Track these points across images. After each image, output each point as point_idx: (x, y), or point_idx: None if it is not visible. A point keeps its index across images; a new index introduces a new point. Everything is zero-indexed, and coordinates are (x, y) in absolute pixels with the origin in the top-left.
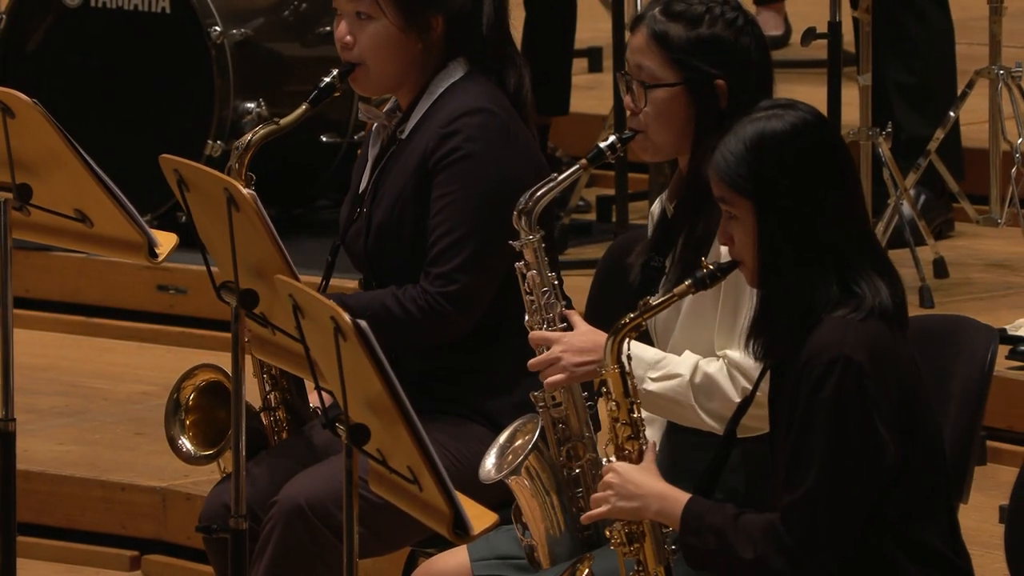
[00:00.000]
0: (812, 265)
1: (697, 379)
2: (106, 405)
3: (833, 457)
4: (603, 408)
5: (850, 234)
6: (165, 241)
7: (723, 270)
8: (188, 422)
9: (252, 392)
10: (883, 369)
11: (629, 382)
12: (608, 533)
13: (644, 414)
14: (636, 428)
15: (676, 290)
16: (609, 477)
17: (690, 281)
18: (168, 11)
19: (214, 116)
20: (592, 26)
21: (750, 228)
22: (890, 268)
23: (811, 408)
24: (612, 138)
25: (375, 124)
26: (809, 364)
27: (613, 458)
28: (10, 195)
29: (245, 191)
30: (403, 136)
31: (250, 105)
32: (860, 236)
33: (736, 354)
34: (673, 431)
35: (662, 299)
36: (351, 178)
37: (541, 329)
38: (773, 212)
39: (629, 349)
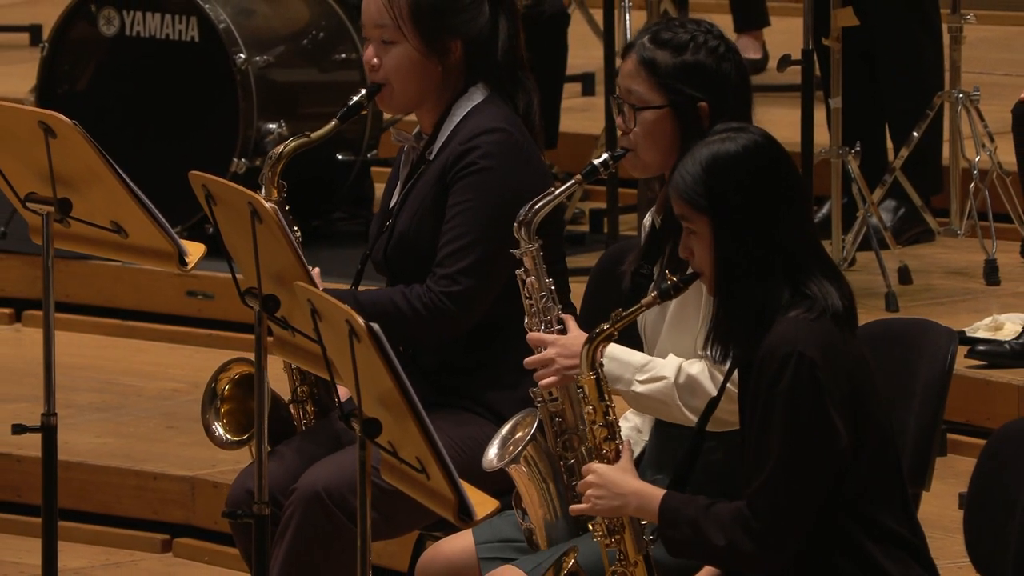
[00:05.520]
0: (765, 273)
1: (681, 380)
2: (140, 401)
3: (791, 444)
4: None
5: (800, 244)
6: (194, 250)
7: (685, 281)
8: (223, 411)
9: (283, 385)
10: (834, 363)
11: (604, 387)
12: (591, 527)
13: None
14: (612, 429)
15: (643, 301)
16: (590, 478)
17: (655, 292)
18: (197, 40)
19: (239, 136)
20: (585, 53)
21: (707, 242)
22: (838, 274)
23: (769, 400)
24: (605, 156)
25: (405, 145)
26: (765, 360)
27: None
28: (52, 208)
29: (268, 204)
30: (431, 158)
31: (272, 126)
32: (809, 246)
33: None
34: (661, 424)
35: (631, 310)
36: (383, 196)
37: (539, 331)
38: (728, 227)
39: (603, 363)
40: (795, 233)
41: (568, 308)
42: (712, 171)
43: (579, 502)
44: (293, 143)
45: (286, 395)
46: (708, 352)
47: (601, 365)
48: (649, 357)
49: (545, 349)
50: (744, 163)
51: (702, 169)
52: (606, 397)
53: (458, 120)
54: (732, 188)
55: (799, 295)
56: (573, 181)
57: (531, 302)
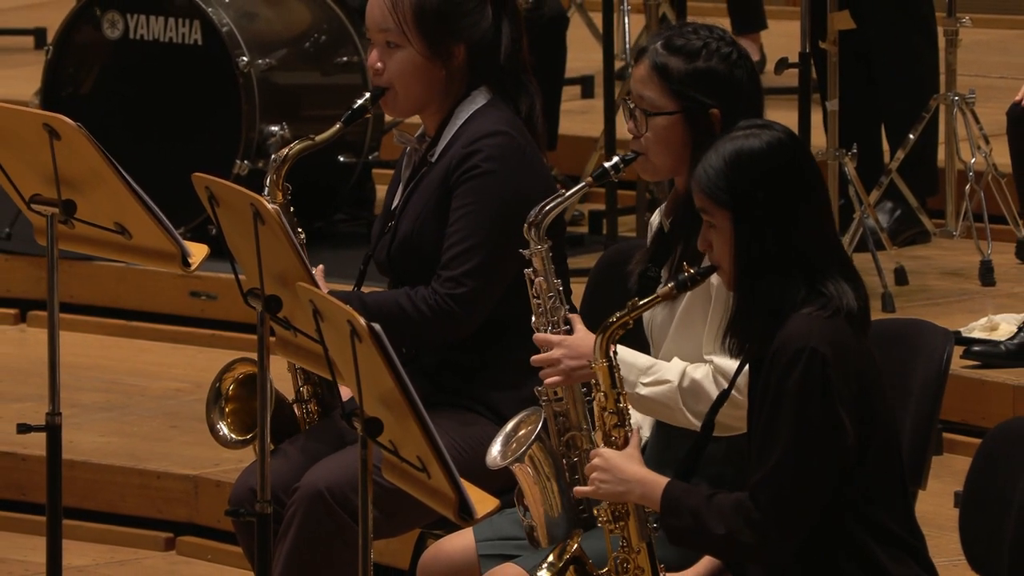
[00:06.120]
0: (783, 269)
1: (685, 384)
2: (143, 400)
3: (797, 438)
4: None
5: (818, 242)
6: (197, 251)
7: (702, 273)
8: (227, 410)
9: (287, 385)
10: (844, 361)
11: (616, 375)
12: (596, 512)
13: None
14: (622, 417)
15: (660, 291)
16: (596, 462)
17: (672, 283)
18: (200, 43)
19: (241, 138)
20: (585, 56)
21: (727, 236)
22: (855, 274)
23: (778, 394)
24: (616, 159)
25: (407, 147)
26: (777, 354)
27: (601, 444)
28: (56, 210)
29: (270, 206)
30: (433, 160)
31: (274, 128)
32: (827, 244)
33: (721, 360)
34: (664, 422)
35: (647, 300)
36: (385, 197)
37: (546, 330)
38: (748, 222)
39: (616, 351)
40: (814, 231)
41: (570, 309)
42: (735, 166)
43: (578, 488)
44: (298, 146)
45: (290, 395)
46: (725, 345)
47: (615, 353)
48: (654, 360)
49: (551, 349)
50: (767, 160)
51: (725, 164)
52: (618, 384)
53: (461, 123)
54: (754, 184)
55: (815, 293)
56: (584, 183)
57: (539, 302)
